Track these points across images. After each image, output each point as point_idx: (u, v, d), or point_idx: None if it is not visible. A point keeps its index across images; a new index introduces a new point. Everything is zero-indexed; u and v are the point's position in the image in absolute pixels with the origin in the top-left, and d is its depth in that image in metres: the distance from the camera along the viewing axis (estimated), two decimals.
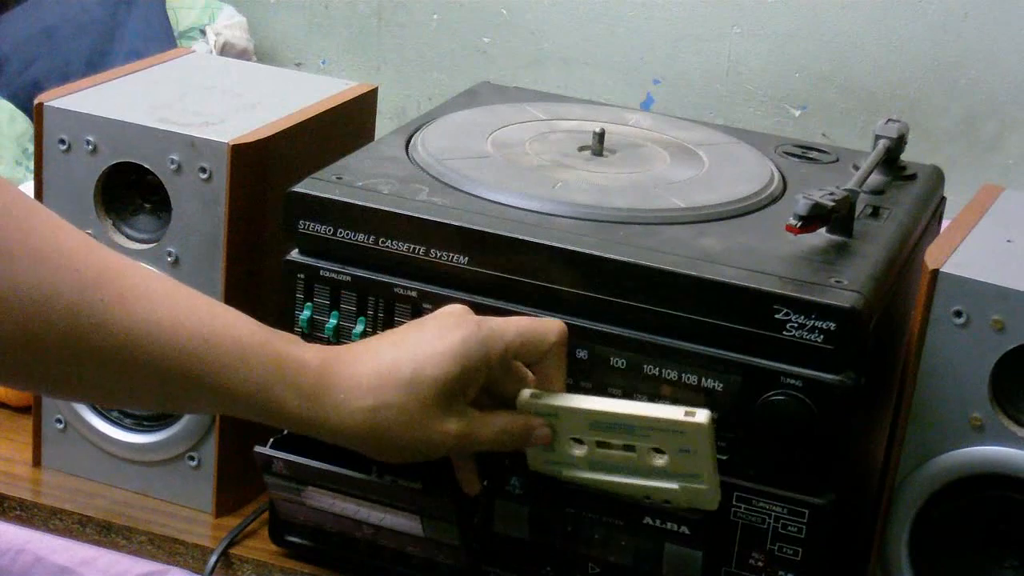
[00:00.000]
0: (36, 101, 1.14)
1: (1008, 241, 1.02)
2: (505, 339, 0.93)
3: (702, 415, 0.92)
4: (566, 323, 0.97)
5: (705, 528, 0.97)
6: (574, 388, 0.98)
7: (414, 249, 1.00)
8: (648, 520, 0.98)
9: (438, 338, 0.91)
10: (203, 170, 1.09)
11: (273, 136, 1.12)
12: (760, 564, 0.98)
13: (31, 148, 2.00)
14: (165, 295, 0.86)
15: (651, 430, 0.93)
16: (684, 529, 0.97)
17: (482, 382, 0.93)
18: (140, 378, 0.86)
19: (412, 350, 0.91)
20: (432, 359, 0.90)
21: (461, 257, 1.00)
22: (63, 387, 0.87)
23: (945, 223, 1.13)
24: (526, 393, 0.96)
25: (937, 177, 1.21)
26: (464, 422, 0.92)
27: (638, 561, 0.99)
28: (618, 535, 0.99)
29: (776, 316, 0.94)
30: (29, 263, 0.80)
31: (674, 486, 0.95)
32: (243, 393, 0.88)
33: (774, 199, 1.10)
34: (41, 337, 0.81)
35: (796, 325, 0.93)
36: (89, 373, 0.85)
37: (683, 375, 0.96)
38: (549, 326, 0.95)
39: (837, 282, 0.95)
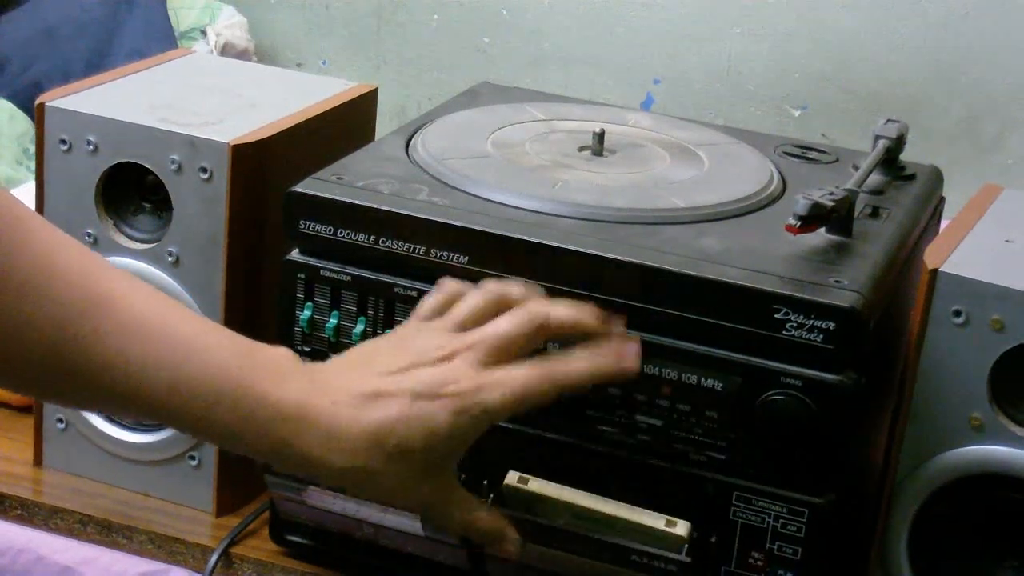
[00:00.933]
0: (37, 101, 1.14)
1: (1007, 241, 1.02)
2: (496, 399, 0.89)
3: (682, 527, 0.95)
4: None
5: (716, 495, 0.97)
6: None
7: (414, 249, 1.00)
8: (635, 558, 0.98)
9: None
10: (203, 170, 1.09)
11: (273, 136, 1.12)
12: (760, 563, 0.98)
13: (32, 148, 2.00)
14: (140, 330, 0.83)
15: (630, 530, 0.96)
16: (671, 567, 0.97)
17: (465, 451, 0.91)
18: (117, 407, 0.86)
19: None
20: (420, 432, 0.87)
21: (461, 257, 1.00)
22: (43, 396, 0.88)
23: (945, 223, 1.13)
24: (513, 476, 0.98)
25: (936, 177, 1.21)
26: (441, 494, 0.91)
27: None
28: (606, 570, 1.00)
29: (776, 316, 0.94)
30: (13, 297, 0.80)
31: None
32: (215, 435, 0.87)
33: (774, 199, 1.10)
34: (18, 361, 0.81)
35: (796, 325, 0.93)
36: (68, 394, 0.85)
37: (683, 375, 0.96)
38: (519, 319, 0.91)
39: (837, 282, 0.95)
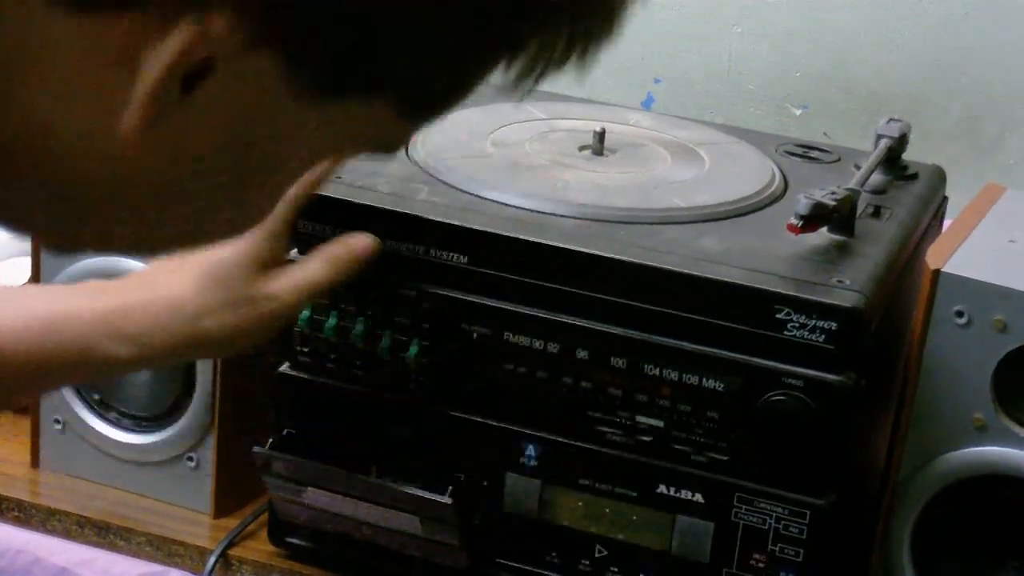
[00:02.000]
0: None
1: (1010, 241, 1.02)
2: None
3: None
4: (567, 323, 0.97)
5: (717, 496, 0.97)
6: (574, 389, 0.98)
7: (413, 249, 1.00)
8: (663, 488, 0.98)
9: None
10: None
11: None
12: (761, 565, 0.97)
13: None
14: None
15: None
16: (698, 497, 0.97)
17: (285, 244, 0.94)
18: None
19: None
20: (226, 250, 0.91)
21: (461, 257, 0.99)
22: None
23: (947, 223, 1.13)
24: None
25: (939, 177, 1.21)
26: (285, 277, 0.93)
27: (647, 535, 0.99)
28: (629, 511, 0.99)
29: (777, 316, 0.93)
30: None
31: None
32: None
33: (775, 199, 1.10)
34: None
35: (797, 325, 0.93)
36: None
37: (684, 376, 0.96)
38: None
39: (839, 282, 0.95)
